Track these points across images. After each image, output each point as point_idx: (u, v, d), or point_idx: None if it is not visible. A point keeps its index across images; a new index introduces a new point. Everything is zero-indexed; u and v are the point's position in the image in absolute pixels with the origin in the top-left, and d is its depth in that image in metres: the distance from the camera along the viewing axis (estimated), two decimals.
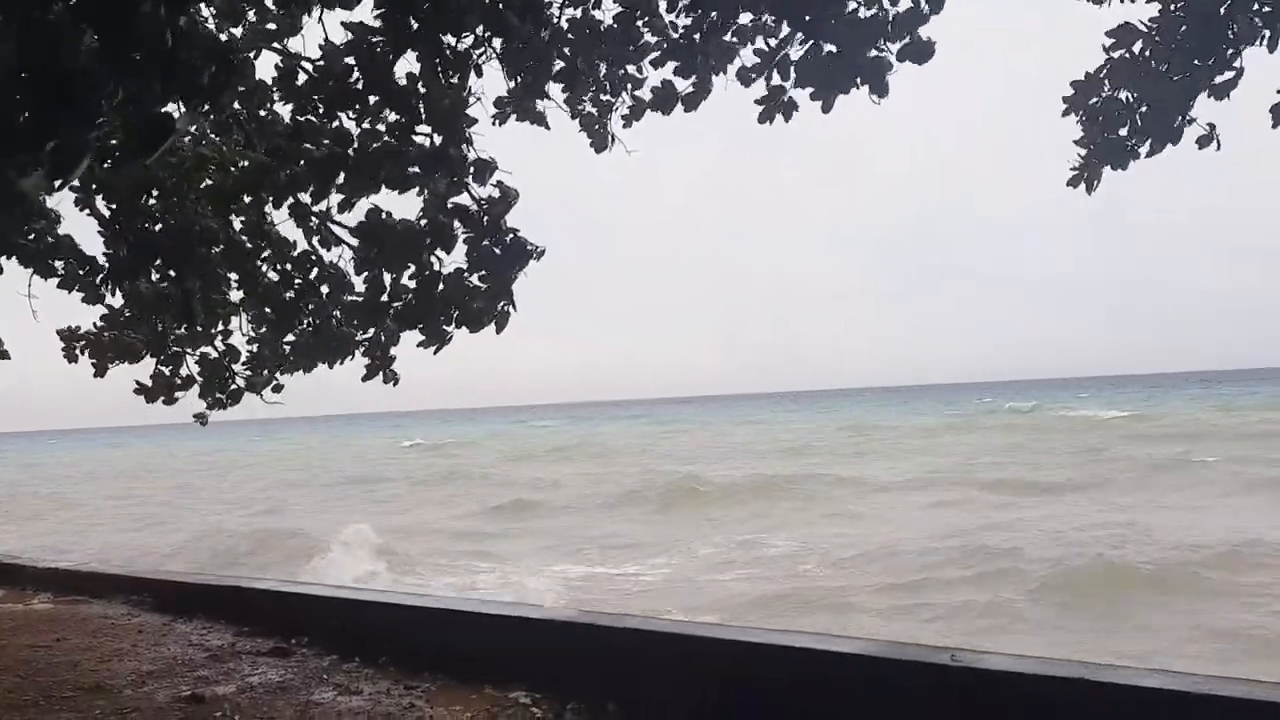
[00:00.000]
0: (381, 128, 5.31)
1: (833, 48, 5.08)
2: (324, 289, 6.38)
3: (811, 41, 5.16)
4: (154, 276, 6.18)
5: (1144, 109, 4.87)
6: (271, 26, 5.31)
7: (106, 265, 6.01)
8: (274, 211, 6.19)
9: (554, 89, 5.91)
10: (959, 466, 32.90)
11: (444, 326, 5.61)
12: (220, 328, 7.05)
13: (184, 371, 7.22)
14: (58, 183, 2.73)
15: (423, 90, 5.13)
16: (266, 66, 5.38)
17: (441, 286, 5.59)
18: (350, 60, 4.98)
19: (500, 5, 4.91)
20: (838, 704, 4.39)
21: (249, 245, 6.26)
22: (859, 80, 5.07)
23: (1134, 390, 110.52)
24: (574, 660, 5.27)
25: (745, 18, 5.48)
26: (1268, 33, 4.53)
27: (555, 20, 5.55)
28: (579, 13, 5.62)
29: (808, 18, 5.06)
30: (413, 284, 5.70)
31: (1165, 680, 3.68)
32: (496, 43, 5.39)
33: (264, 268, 6.42)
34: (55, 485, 49.56)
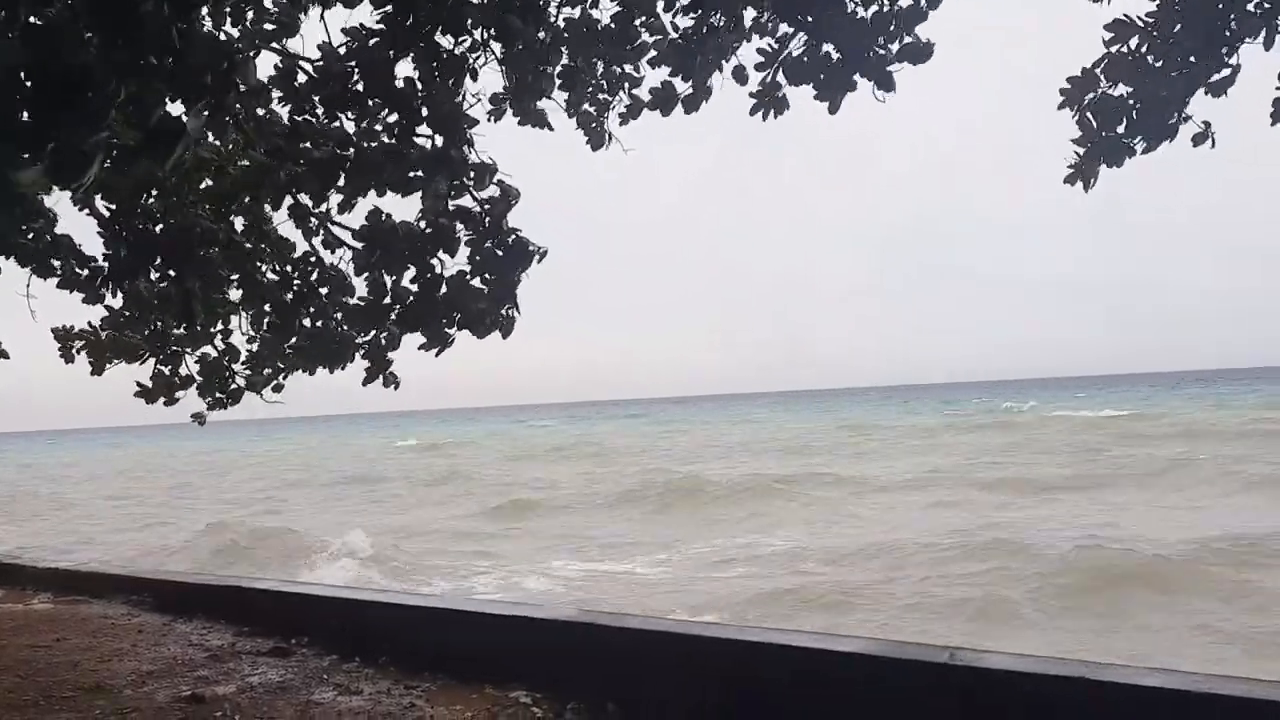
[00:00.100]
0: (380, 128, 5.31)
1: (831, 48, 5.10)
2: (324, 291, 6.37)
3: (811, 41, 5.17)
4: (154, 276, 6.17)
5: (1139, 105, 4.88)
6: (270, 27, 5.31)
7: (106, 265, 6.00)
8: (274, 212, 6.19)
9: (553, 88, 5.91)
10: (957, 466, 32.90)
11: (446, 329, 5.60)
12: (220, 327, 7.04)
13: (183, 371, 7.21)
14: (69, 185, 2.72)
15: (423, 92, 5.13)
16: (265, 67, 5.38)
17: (444, 289, 5.58)
18: (350, 62, 4.98)
19: (501, 7, 4.91)
20: (838, 703, 4.40)
21: (249, 246, 6.26)
22: (863, 76, 5.07)
23: (1133, 389, 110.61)
24: (574, 660, 5.28)
25: (747, 17, 5.49)
26: (1265, 30, 4.53)
27: (553, 20, 5.55)
28: (576, 12, 5.62)
29: (809, 17, 5.07)
30: (414, 287, 5.69)
31: (1165, 679, 3.69)
32: (495, 45, 5.39)
33: (264, 268, 6.41)
34: (54, 485, 49.57)
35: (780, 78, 5.37)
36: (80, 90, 2.56)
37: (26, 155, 2.58)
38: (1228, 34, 4.61)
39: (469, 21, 5.06)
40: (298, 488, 41.06)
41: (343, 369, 6.24)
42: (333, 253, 6.16)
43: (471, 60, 5.30)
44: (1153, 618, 12.55)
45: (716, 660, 4.81)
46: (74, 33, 2.60)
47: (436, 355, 5.65)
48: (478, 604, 7.54)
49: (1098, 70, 4.90)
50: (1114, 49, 4.85)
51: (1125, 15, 4.76)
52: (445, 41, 5.08)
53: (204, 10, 4.61)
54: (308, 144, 5.38)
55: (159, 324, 6.91)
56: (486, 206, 5.54)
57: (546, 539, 22.38)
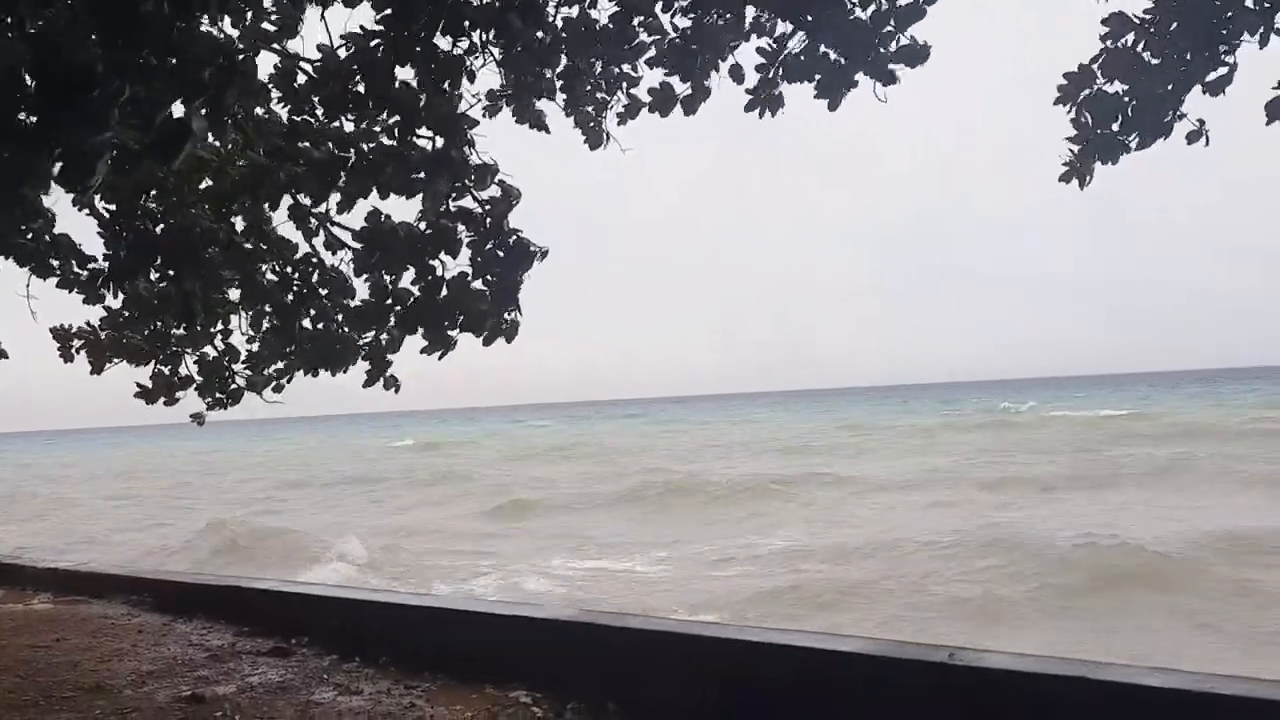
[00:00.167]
0: (379, 129, 5.31)
1: (828, 49, 5.10)
2: (324, 292, 6.37)
3: (809, 41, 5.18)
4: (154, 277, 6.17)
5: (1134, 103, 4.89)
6: (269, 27, 5.30)
7: (106, 265, 6.00)
8: (274, 213, 6.18)
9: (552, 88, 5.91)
10: (956, 466, 32.90)
11: (448, 332, 5.60)
12: (220, 327, 7.04)
13: (183, 371, 7.21)
14: (77, 188, 2.72)
15: (422, 93, 5.13)
16: (264, 67, 5.38)
17: (445, 291, 5.58)
18: (351, 64, 4.98)
19: (502, 7, 4.91)
20: (839, 703, 4.40)
21: (249, 247, 6.25)
22: (864, 74, 5.08)
23: (1133, 389, 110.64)
24: (574, 660, 5.28)
25: (746, 16, 5.49)
26: (1261, 28, 4.54)
27: (552, 20, 5.55)
28: (574, 11, 5.62)
29: (808, 16, 5.07)
30: (415, 288, 5.69)
31: (1166, 679, 3.69)
32: (493, 48, 5.38)
33: (264, 269, 6.40)
34: (53, 486, 49.50)
35: (777, 76, 5.38)
36: (81, 90, 2.55)
37: (31, 156, 2.58)
38: (1225, 32, 4.62)
39: (468, 23, 5.06)
40: (297, 488, 41.03)
41: (345, 372, 6.24)
42: (334, 254, 6.16)
43: (470, 62, 5.30)
44: (1152, 616, 12.56)
45: (717, 660, 4.81)
46: (74, 32, 2.60)
47: (439, 358, 5.65)
48: (478, 604, 7.54)
49: (1094, 66, 4.92)
50: (1110, 44, 4.86)
51: (1122, 11, 4.77)
52: (444, 43, 5.08)
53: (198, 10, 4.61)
54: (307, 144, 5.38)
55: (159, 324, 6.91)
56: (487, 207, 5.54)
57: (545, 539, 22.37)
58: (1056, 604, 13.29)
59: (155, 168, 4.45)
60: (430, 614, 6.38)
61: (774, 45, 5.40)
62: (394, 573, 18.23)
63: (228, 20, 5.01)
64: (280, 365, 6.87)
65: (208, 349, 7.17)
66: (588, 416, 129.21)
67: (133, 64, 2.70)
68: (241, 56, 3.16)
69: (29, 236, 6.05)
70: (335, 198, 5.51)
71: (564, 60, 5.73)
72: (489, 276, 5.55)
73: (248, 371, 7.09)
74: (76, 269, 6.41)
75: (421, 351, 5.69)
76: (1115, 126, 4.97)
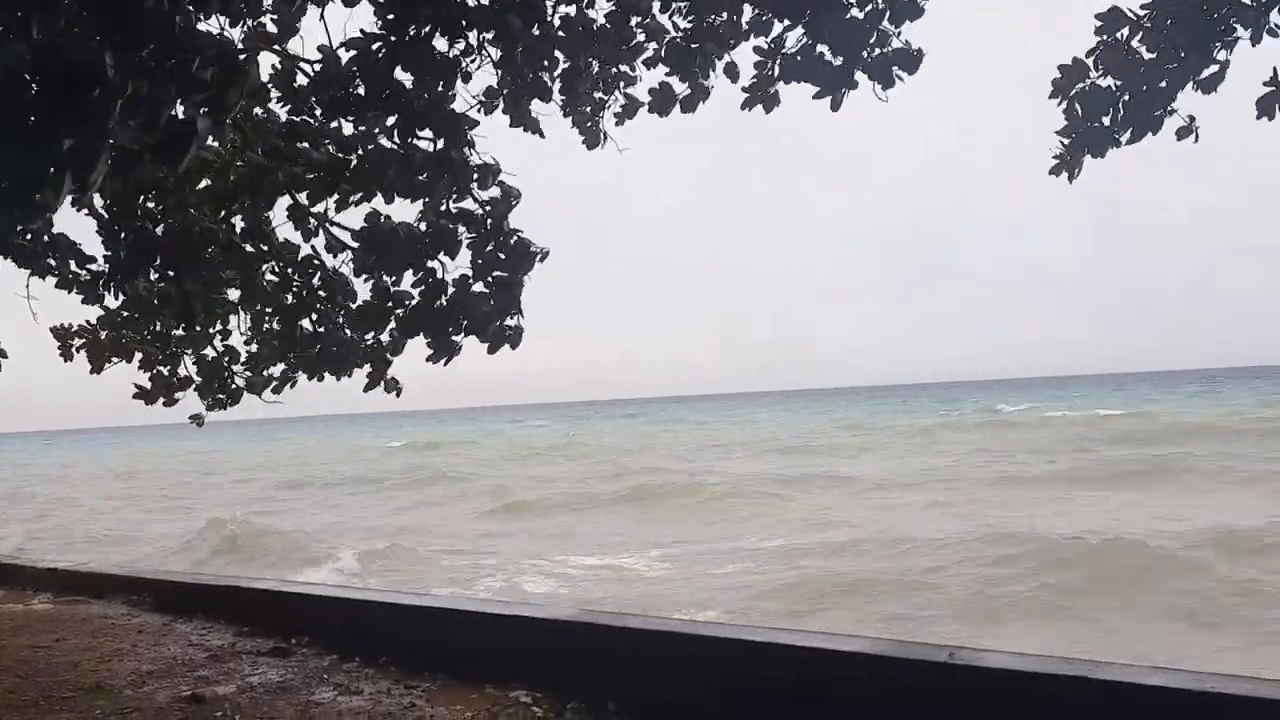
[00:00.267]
0: (379, 131, 5.31)
1: (826, 49, 5.11)
2: (323, 294, 6.36)
3: (807, 39, 5.19)
4: (153, 277, 6.16)
5: (1126, 97, 4.91)
6: (269, 26, 5.30)
7: (106, 266, 6.00)
8: (272, 212, 6.18)
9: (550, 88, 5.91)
10: (954, 466, 32.89)
11: (452, 337, 5.59)
12: (219, 327, 7.04)
13: (182, 372, 7.21)
14: (76, 188, 2.71)
15: (420, 94, 5.12)
16: (264, 68, 5.37)
17: (447, 294, 5.58)
18: (351, 68, 4.98)
19: (502, 7, 4.90)
20: (840, 703, 4.40)
21: (249, 249, 6.25)
22: (864, 74, 5.09)
23: (1133, 388, 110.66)
24: (574, 659, 5.28)
25: (746, 15, 5.49)
26: (1254, 26, 4.57)
27: (549, 20, 5.55)
28: (572, 10, 5.62)
29: (807, 14, 5.08)
30: (415, 291, 5.68)
31: (1167, 678, 3.70)
32: (491, 48, 5.38)
33: (264, 270, 6.40)
34: (52, 486, 49.48)
35: (774, 74, 5.39)
36: (81, 90, 2.55)
37: (33, 157, 2.57)
38: (1221, 29, 4.64)
39: (465, 23, 5.05)
40: (296, 488, 41.00)
41: (349, 376, 6.24)
42: (334, 256, 6.16)
43: (466, 63, 5.30)
44: (1152, 615, 12.56)
45: (718, 660, 4.82)
46: (75, 31, 2.59)
47: (445, 364, 5.64)
48: (478, 604, 7.54)
49: (1088, 61, 4.94)
50: (1105, 39, 4.88)
51: (1117, 6, 4.78)
52: (441, 44, 5.08)
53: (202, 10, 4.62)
54: (306, 145, 5.37)
55: (159, 325, 6.91)
56: (487, 208, 5.53)
57: (544, 538, 22.37)
58: (1056, 603, 13.29)
59: (159, 169, 4.44)
60: (430, 614, 6.38)
61: (771, 44, 5.41)
62: (393, 573, 18.22)
63: (227, 20, 5.01)
64: (280, 367, 6.87)
65: (207, 350, 7.17)
66: (587, 416, 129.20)
67: (134, 63, 2.69)
68: (243, 56, 3.15)
69: (28, 237, 6.05)
70: (334, 197, 5.51)
71: (562, 60, 5.73)
72: (490, 278, 5.55)
73: (247, 372, 7.09)
74: (76, 269, 6.41)
75: (428, 359, 5.68)
76: (1106, 120, 5.01)
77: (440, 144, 5.25)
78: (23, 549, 21.32)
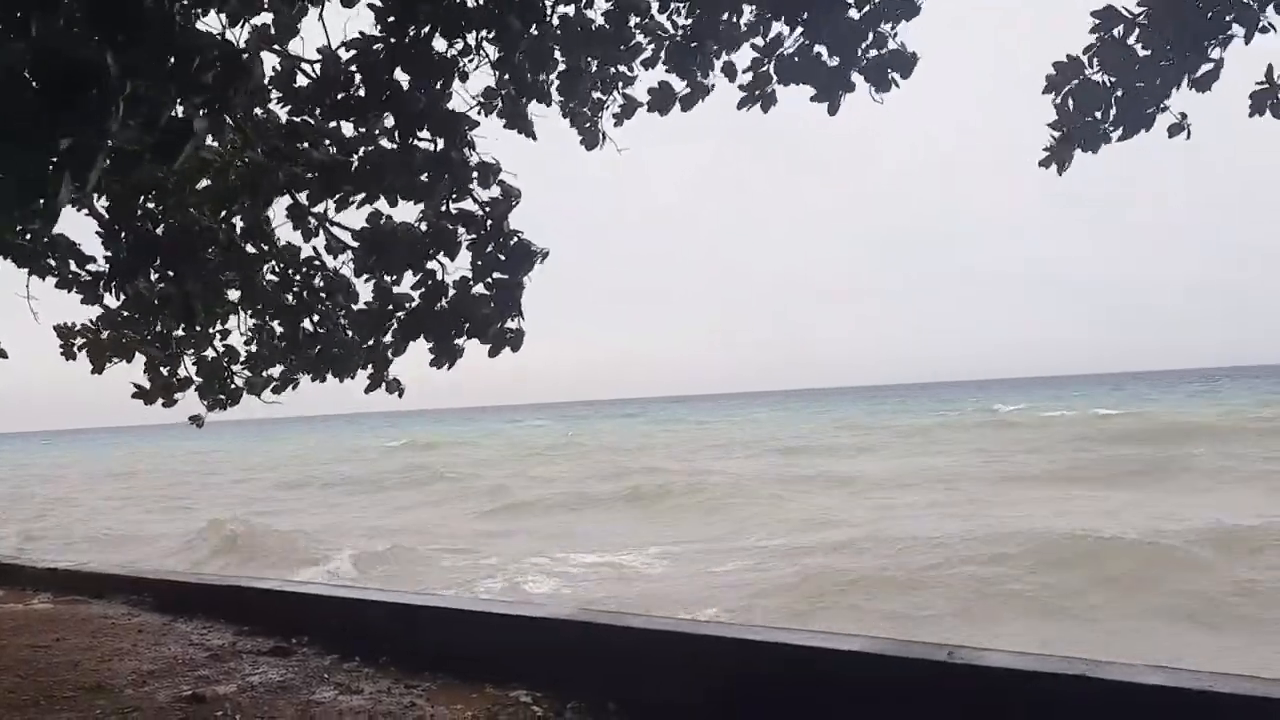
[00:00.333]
0: (379, 132, 5.31)
1: (823, 50, 5.12)
2: (324, 294, 6.37)
3: (804, 40, 5.19)
4: (153, 278, 6.17)
5: (1119, 93, 4.93)
6: (267, 24, 5.30)
7: (106, 266, 6.00)
8: (274, 213, 6.19)
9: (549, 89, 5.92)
10: (952, 465, 32.90)
11: (454, 340, 5.59)
12: (219, 327, 7.04)
13: (181, 372, 7.21)
14: (75, 187, 2.71)
15: (420, 94, 5.13)
16: (264, 68, 5.37)
17: (448, 296, 5.58)
18: (351, 67, 4.98)
19: (502, 8, 4.91)
20: (840, 702, 4.41)
21: (250, 250, 6.25)
22: (860, 76, 5.10)
23: (1132, 388, 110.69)
24: (574, 659, 5.29)
25: (745, 16, 5.50)
26: (1247, 24, 4.59)
27: (548, 19, 5.56)
28: (571, 10, 5.63)
29: (805, 16, 5.08)
30: (415, 293, 5.69)
31: (1167, 677, 3.70)
32: (488, 48, 5.39)
33: (264, 270, 6.41)
34: (50, 486, 49.46)
35: (770, 73, 5.40)
36: (81, 89, 2.55)
37: (33, 157, 2.58)
38: (1216, 26, 4.66)
39: (464, 23, 5.06)
40: (295, 488, 41.00)
41: (352, 377, 6.25)
42: (335, 257, 6.16)
43: (464, 63, 5.31)
44: (1153, 614, 12.57)
45: (719, 660, 4.82)
46: (74, 30, 2.59)
47: (448, 368, 5.65)
48: (478, 603, 7.54)
49: (1083, 58, 4.96)
50: (1100, 36, 4.90)
51: (1111, 4, 4.80)
52: (439, 44, 5.08)
53: (203, 10, 4.62)
54: (306, 145, 5.38)
55: (159, 325, 6.91)
56: (487, 208, 5.54)
57: (544, 538, 22.37)
58: (1055, 602, 13.30)
59: (156, 169, 4.45)
60: (430, 614, 6.38)
61: (768, 44, 5.42)
62: (393, 574, 18.21)
63: (227, 20, 5.01)
64: (280, 368, 6.87)
65: (207, 350, 7.17)
66: (586, 416, 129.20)
67: (134, 63, 2.69)
68: (245, 55, 3.16)
69: (28, 237, 6.05)
70: (335, 198, 5.51)
71: (561, 61, 5.73)
72: (490, 280, 5.55)
73: (246, 372, 7.09)
74: (76, 269, 6.41)
75: (430, 364, 5.68)
76: (1098, 115, 5.03)
77: (440, 144, 5.26)
78: (22, 549, 21.33)
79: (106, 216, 5.88)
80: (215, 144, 5.64)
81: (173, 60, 2.86)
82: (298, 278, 6.37)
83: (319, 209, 5.91)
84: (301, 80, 5.31)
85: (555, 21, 5.56)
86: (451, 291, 5.62)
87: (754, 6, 5.43)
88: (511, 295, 5.55)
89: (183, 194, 5.85)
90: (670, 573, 17.18)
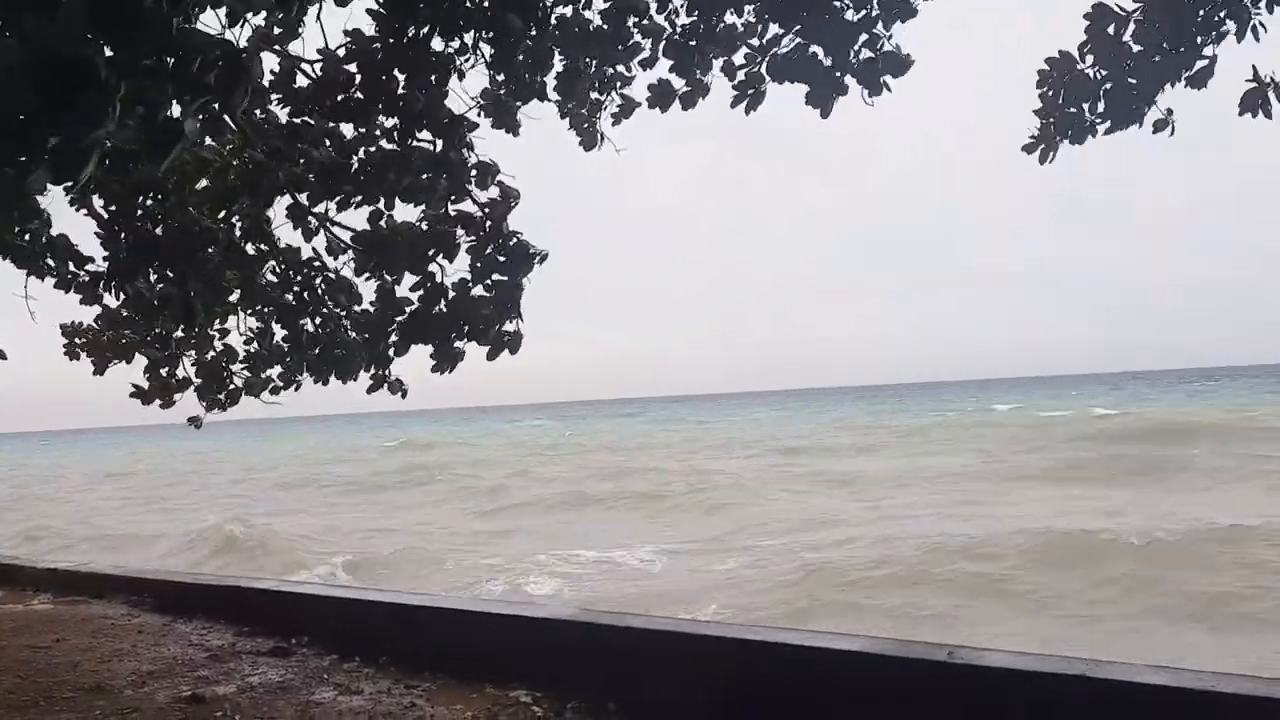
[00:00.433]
0: (380, 133, 5.31)
1: (819, 50, 5.12)
2: (326, 295, 6.37)
3: (799, 41, 5.20)
4: (153, 278, 6.17)
5: (1109, 86, 4.94)
6: (261, 23, 5.29)
7: (106, 266, 6.00)
8: (274, 213, 6.18)
9: (547, 89, 5.92)
10: (950, 464, 32.94)
11: (454, 344, 5.59)
12: (219, 326, 7.04)
13: (180, 373, 7.21)
14: (65, 183, 2.71)
15: (418, 93, 5.12)
16: (264, 69, 5.37)
17: (448, 299, 5.57)
18: (350, 67, 4.98)
19: (501, 7, 4.91)
20: (840, 702, 4.40)
21: (251, 250, 6.25)
22: (852, 79, 5.11)
23: (1131, 387, 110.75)
24: (574, 659, 5.28)
25: (744, 15, 5.50)
26: (1238, 21, 4.61)
27: (547, 20, 5.55)
28: (569, 11, 5.63)
29: (802, 14, 5.09)
30: (415, 295, 5.68)
31: (1167, 677, 3.70)
32: (485, 48, 5.39)
33: (265, 270, 6.41)
34: (48, 487, 49.45)
35: (764, 72, 5.41)
36: (78, 88, 2.55)
37: (27, 158, 2.57)
38: (1210, 24, 4.67)
39: (462, 22, 5.06)
40: (295, 489, 40.96)
41: (355, 379, 6.24)
42: (336, 258, 6.16)
43: (460, 61, 5.31)
44: (1154, 613, 12.58)
45: (719, 660, 4.82)
46: (72, 29, 2.59)
47: (450, 371, 5.65)
48: (478, 604, 7.54)
49: (1076, 53, 4.98)
50: (1093, 33, 4.92)
51: (1104, 2, 4.81)
52: (437, 43, 5.08)
53: (202, 9, 4.61)
54: (307, 145, 5.37)
55: (158, 326, 6.91)
56: (486, 209, 5.53)
57: (543, 537, 22.37)
58: (1054, 600, 13.32)
59: (147, 168, 4.44)
60: (430, 614, 6.38)
61: (763, 44, 5.43)
62: (393, 575, 18.22)
63: (227, 20, 5.01)
64: (279, 369, 6.87)
65: (208, 350, 7.17)
66: (585, 416, 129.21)
67: (132, 62, 2.69)
68: (244, 55, 3.15)
69: (26, 238, 6.05)
70: (335, 199, 5.51)
71: (559, 61, 5.73)
72: (490, 281, 5.55)
73: (246, 372, 7.09)
74: (75, 269, 6.41)
75: (432, 370, 5.68)
76: (1086, 108, 5.05)
77: (439, 145, 5.26)
78: (20, 550, 21.32)
79: (106, 217, 5.88)
80: (214, 144, 5.65)
81: (172, 60, 2.85)
82: (299, 278, 6.36)
83: (320, 209, 5.91)
84: (301, 81, 5.31)
85: (553, 22, 5.57)
86: (451, 294, 5.62)
87: (753, 6, 5.43)
88: (511, 297, 5.55)
89: (183, 194, 5.84)
90: (671, 571, 17.20)
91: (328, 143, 5.32)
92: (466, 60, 5.34)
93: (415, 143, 5.21)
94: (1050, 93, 5.07)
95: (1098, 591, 13.51)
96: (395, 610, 6.68)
